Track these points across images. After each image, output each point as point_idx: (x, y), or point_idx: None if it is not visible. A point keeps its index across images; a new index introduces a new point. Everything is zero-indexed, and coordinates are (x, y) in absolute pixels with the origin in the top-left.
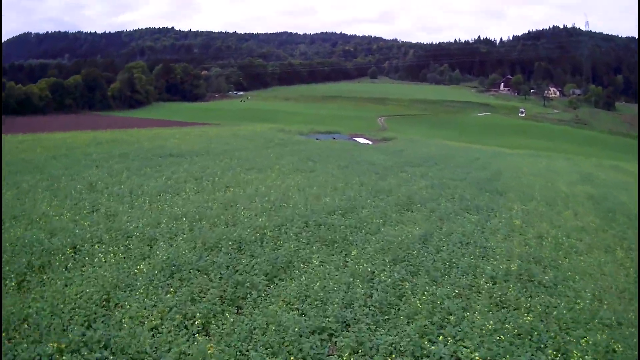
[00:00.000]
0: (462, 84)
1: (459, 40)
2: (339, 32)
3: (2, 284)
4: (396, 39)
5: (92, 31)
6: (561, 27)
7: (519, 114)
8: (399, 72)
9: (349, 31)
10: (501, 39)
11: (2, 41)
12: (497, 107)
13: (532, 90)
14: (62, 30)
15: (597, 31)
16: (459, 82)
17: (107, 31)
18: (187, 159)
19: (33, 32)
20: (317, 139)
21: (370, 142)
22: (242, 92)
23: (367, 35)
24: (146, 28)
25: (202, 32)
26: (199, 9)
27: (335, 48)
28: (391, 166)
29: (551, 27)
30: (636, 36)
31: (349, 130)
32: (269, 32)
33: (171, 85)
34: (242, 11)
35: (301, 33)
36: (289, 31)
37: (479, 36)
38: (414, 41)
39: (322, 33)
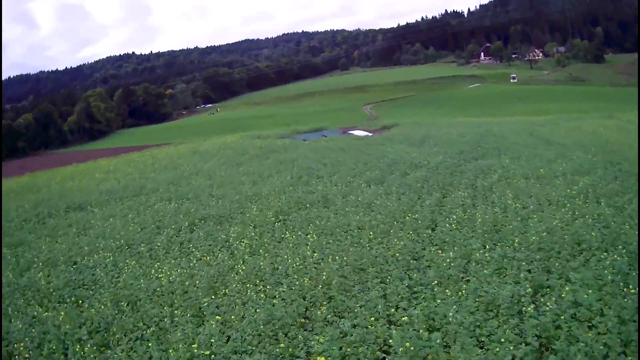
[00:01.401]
0: (439, 60)
1: (427, 17)
2: (300, 31)
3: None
4: (359, 29)
5: (54, 69)
6: None
7: (511, 80)
8: (370, 60)
9: (310, 29)
10: (469, 9)
11: None
12: (484, 77)
13: (514, 55)
14: (24, 73)
15: None
16: (436, 59)
17: (69, 66)
18: (91, 211)
19: None
20: (304, 140)
21: (370, 134)
22: (210, 105)
23: (330, 30)
24: (107, 57)
25: (164, 52)
26: (158, 32)
27: (300, 46)
28: (453, 166)
29: None
30: None
31: (337, 125)
32: (230, 42)
33: (134, 109)
34: (202, 27)
35: (263, 38)
36: (251, 38)
37: (445, 10)
38: (377, 28)
39: (284, 34)
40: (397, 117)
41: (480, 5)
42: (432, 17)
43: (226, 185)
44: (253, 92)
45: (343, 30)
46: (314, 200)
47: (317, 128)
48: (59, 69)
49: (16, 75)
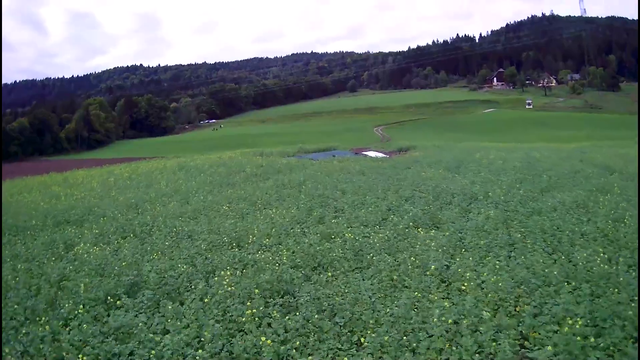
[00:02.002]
0: (450, 85)
1: (438, 41)
2: (310, 51)
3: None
4: (369, 51)
5: (61, 76)
6: (539, 15)
7: (527, 106)
8: (379, 82)
9: (320, 50)
10: (480, 34)
11: None
12: (499, 102)
13: (527, 81)
14: (31, 78)
15: (575, 15)
16: (447, 84)
17: (76, 75)
18: None
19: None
20: (312, 160)
21: (387, 156)
22: (214, 120)
23: (339, 51)
24: (115, 68)
25: (171, 66)
26: (168, 46)
27: (309, 66)
28: (527, 200)
29: (529, 16)
30: (616, 15)
31: (347, 145)
32: (239, 60)
33: (136, 120)
34: (211, 43)
35: (272, 57)
36: (260, 56)
37: (457, 34)
38: (387, 51)
39: (293, 54)
40: (412, 139)
41: (492, 31)
42: (444, 41)
43: (201, 217)
44: (259, 109)
45: (352, 53)
46: (337, 257)
47: (326, 148)
48: (65, 77)
49: (22, 80)
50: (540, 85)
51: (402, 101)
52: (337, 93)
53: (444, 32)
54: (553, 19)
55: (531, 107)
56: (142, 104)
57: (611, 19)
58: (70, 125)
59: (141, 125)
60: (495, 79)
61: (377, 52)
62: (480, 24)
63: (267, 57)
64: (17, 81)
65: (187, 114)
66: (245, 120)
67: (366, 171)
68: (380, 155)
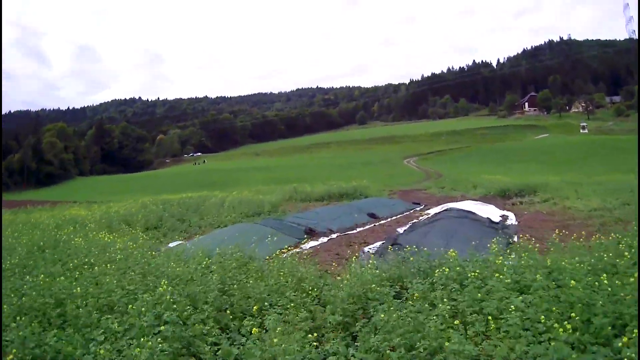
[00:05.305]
0: (472, 113)
1: (453, 68)
2: (315, 86)
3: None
4: (376, 86)
5: (56, 108)
6: (557, 40)
7: (582, 131)
8: (392, 114)
9: (325, 85)
10: (498, 60)
11: None
12: (545, 127)
13: (567, 107)
14: (24, 109)
15: (593, 38)
16: (468, 113)
17: (71, 107)
18: None
19: None
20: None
21: (508, 214)
22: (199, 154)
23: (345, 86)
24: (112, 100)
25: (171, 100)
26: (171, 81)
27: (314, 99)
28: None
29: (546, 41)
30: (635, 37)
31: (379, 185)
32: (242, 95)
33: (109, 152)
34: (214, 79)
35: (276, 92)
36: (263, 92)
37: (473, 60)
38: (396, 83)
39: (298, 89)
40: (478, 173)
41: (508, 57)
42: (460, 67)
43: None
44: (257, 143)
45: (359, 87)
46: None
47: (346, 191)
48: (60, 108)
49: (16, 111)
50: (583, 109)
51: (423, 130)
52: (346, 125)
53: (454, 63)
54: (571, 42)
55: (586, 131)
56: (116, 134)
57: (630, 41)
58: (16, 156)
59: (114, 158)
60: (526, 104)
61: (387, 84)
62: (486, 55)
63: (270, 92)
64: (12, 111)
65: (170, 146)
66: (238, 154)
67: None
68: (500, 212)
